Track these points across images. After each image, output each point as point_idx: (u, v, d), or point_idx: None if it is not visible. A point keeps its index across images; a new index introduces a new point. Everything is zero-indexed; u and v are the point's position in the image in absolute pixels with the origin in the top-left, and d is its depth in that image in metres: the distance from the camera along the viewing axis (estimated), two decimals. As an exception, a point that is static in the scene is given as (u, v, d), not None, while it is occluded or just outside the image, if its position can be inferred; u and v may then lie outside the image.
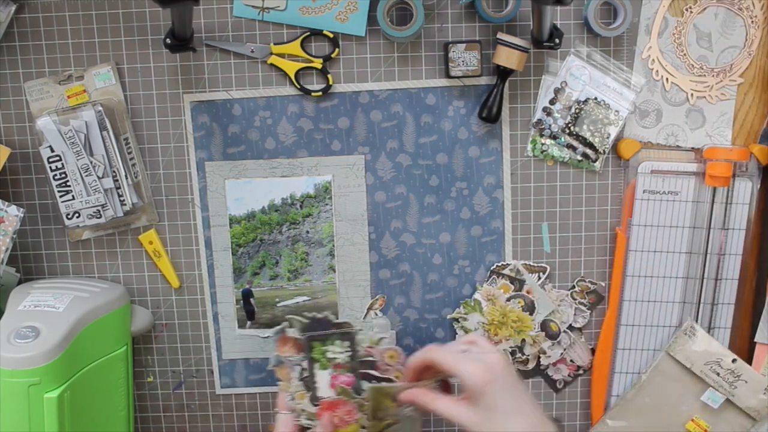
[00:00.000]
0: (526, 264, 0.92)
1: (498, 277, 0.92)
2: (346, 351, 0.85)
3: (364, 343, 0.86)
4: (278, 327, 0.87)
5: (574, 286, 0.93)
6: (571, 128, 0.89)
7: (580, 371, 0.95)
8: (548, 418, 0.72)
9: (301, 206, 0.92)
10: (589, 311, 0.93)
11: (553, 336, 0.92)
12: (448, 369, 0.73)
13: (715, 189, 0.89)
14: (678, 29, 0.88)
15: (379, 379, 0.84)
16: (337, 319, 0.87)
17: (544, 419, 0.71)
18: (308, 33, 0.88)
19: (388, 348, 0.86)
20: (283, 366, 0.87)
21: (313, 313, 0.87)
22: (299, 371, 0.86)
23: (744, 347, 0.92)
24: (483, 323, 0.93)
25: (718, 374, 0.89)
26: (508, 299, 0.92)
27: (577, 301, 0.93)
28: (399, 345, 0.94)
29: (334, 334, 0.85)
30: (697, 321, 0.91)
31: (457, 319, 0.93)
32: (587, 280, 0.93)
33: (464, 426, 0.72)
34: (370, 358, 0.86)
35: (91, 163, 0.85)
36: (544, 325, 0.92)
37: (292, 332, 0.86)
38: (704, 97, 0.89)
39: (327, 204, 0.91)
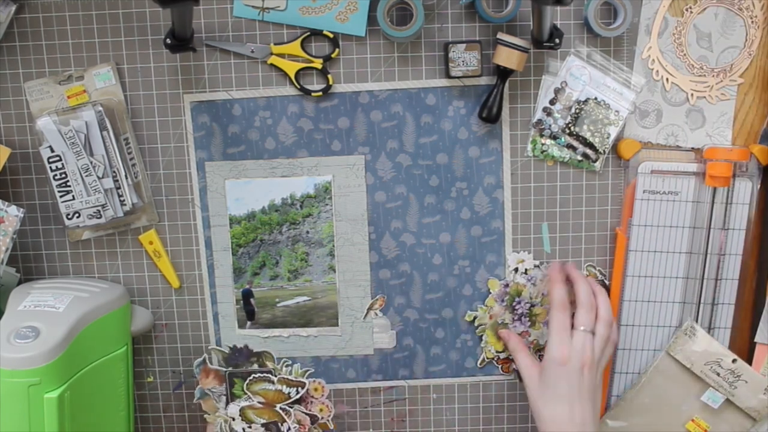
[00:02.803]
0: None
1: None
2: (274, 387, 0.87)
3: (291, 375, 0.88)
4: (199, 359, 0.89)
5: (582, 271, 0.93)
6: (571, 128, 0.89)
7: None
8: (595, 420, 0.80)
9: (301, 206, 0.92)
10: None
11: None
12: (550, 326, 0.83)
13: (715, 189, 0.89)
14: (678, 29, 0.88)
15: (306, 415, 0.88)
16: (256, 349, 0.89)
17: (587, 417, 0.79)
18: (308, 33, 0.88)
19: (314, 381, 0.88)
20: (208, 398, 0.89)
21: (234, 343, 0.89)
22: (224, 401, 0.88)
23: (744, 347, 0.92)
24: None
25: (718, 374, 0.89)
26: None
27: None
28: (399, 345, 0.94)
29: (256, 372, 0.88)
30: (697, 321, 0.91)
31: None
32: (597, 268, 0.92)
33: (525, 386, 0.84)
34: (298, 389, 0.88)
35: (91, 163, 0.85)
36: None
37: (214, 364, 0.88)
38: (704, 97, 0.89)
39: (327, 204, 0.91)
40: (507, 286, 0.92)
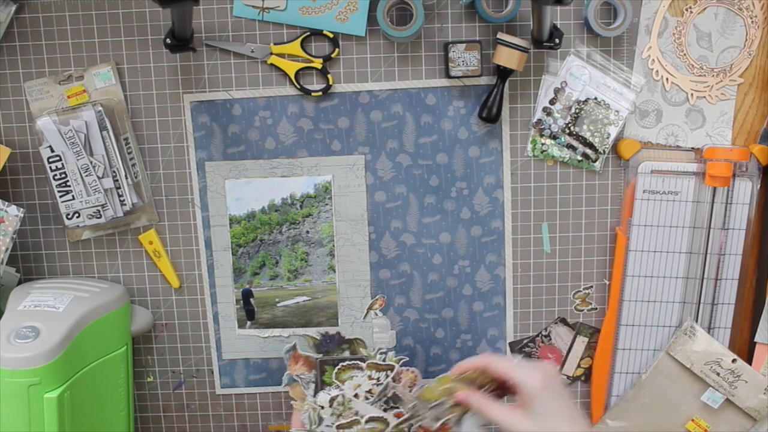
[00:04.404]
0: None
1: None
2: (373, 382, 0.85)
3: (386, 361, 0.86)
4: (289, 345, 0.87)
5: (573, 300, 0.93)
6: (571, 128, 0.89)
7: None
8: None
9: (301, 206, 0.92)
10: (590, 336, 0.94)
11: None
12: (504, 373, 0.75)
13: (715, 189, 0.89)
14: (678, 29, 0.88)
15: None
16: (349, 335, 0.87)
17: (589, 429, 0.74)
18: (308, 33, 0.88)
19: (408, 369, 0.86)
20: (296, 384, 0.87)
21: (325, 329, 0.87)
22: (313, 389, 0.86)
23: (744, 347, 0.92)
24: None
25: (718, 374, 0.89)
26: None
27: (583, 312, 0.93)
28: (399, 345, 0.94)
29: (346, 359, 0.85)
30: (697, 321, 0.91)
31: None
32: (582, 289, 0.93)
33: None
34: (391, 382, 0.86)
35: (91, 163, 0.85)
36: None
37: (304, 350, 0.87)
38: (704, 97, 0.89)
39: (327, 204, 0.91)
40: None
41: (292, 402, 0.89)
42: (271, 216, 0.92)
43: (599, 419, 0.94)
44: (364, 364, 0.85)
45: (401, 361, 0.86)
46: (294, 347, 0.88)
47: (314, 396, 0.86)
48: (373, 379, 0.86)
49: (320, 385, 0.86)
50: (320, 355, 0.87)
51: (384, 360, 0.87)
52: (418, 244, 0.92)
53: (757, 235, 0.91)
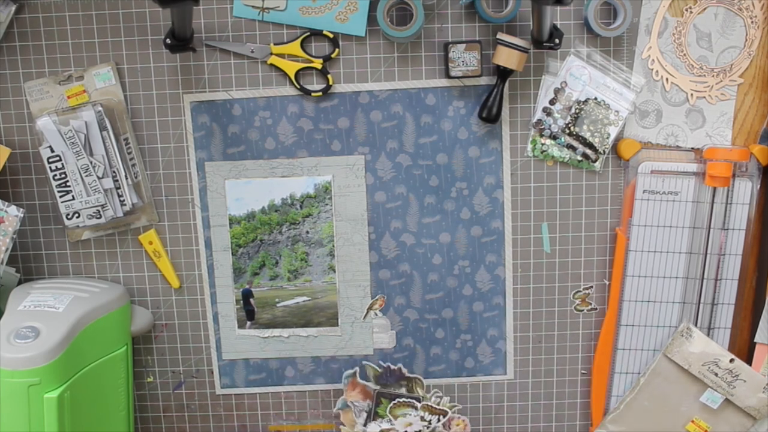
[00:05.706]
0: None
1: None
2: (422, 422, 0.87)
3: (439, 405, 0.88)
4: (350, 371, 0.89)
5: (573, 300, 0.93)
6: (571, 128, 0.89)
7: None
8: None
9: (301, 206, 0.92)
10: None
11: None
12: None
13: (715, 189, 0.89)
14: (678, 29, 0.88)
15: None
16: (410, 373, 0.89)
17: None
18: (308, 33, 0.88)
19: (459, 417, 0.88)
20: (348, 410, 0.89)
21: (387, 363, 0.89)
22: (364, 418, 0.88)
23: (744, 347, 0.92)
24: None
25: (716, 374, 0.89)
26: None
27: (583, 312, 0.93)
28: (398, 345, 0.94)
29: (403, 396, 0.87)
30: (697, 321, 0.91)
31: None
32: (582, 289, 0.93)
33: None
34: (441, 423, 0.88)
35: (91, 163, 0.85)
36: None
37: (363, 379, 0.89)
38: (704, 97, 0.90)
39: (327, 204, 0.91)
40: None
41: (340, 426, 0.91)
42: (271, 216, 0.92)
43: (599, 420, 0.94)
44: (419, 405, 0.87)
45: (454, 408, 0.88)
46: (354, 374, 0.90)
47: (364, 425, 0.88)
48: (425, 420, 0.87)
49: (373, 415, 0.88)
50: (378, 387, 0.89)
51: (438, 404, 0.89)
52: (418, 244, 0.92)
53: (757, 235, 0.91)
